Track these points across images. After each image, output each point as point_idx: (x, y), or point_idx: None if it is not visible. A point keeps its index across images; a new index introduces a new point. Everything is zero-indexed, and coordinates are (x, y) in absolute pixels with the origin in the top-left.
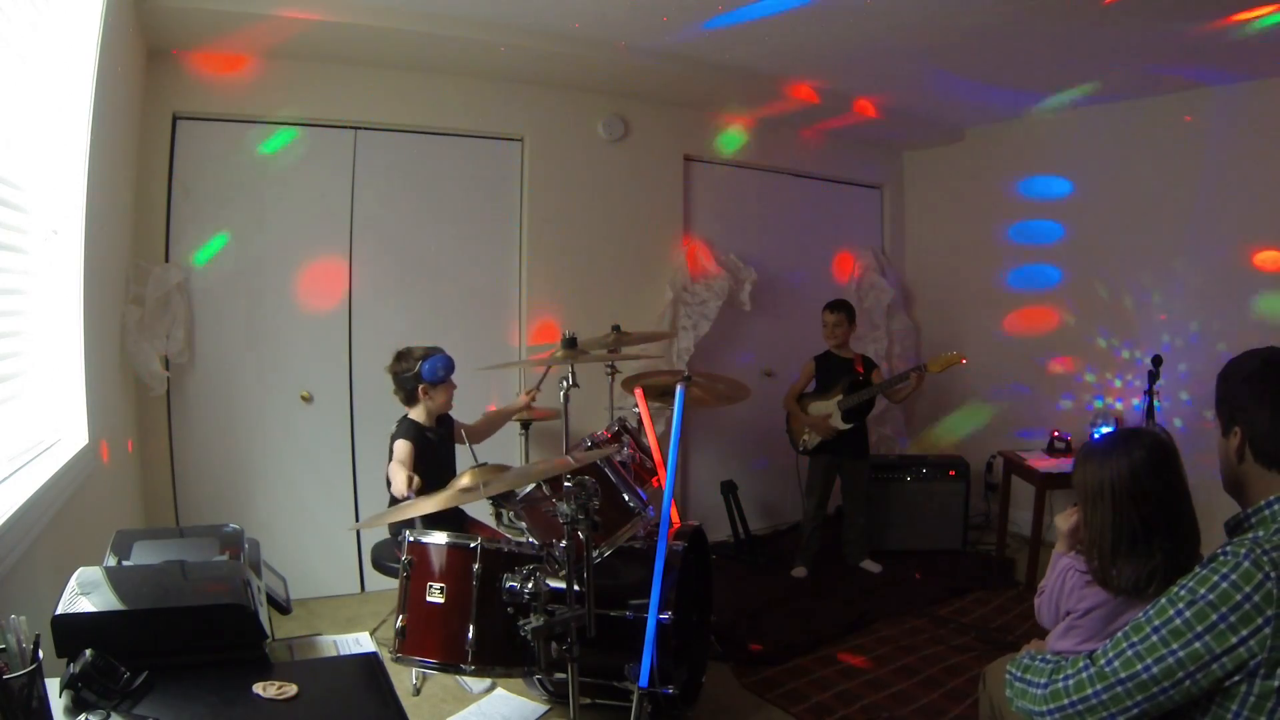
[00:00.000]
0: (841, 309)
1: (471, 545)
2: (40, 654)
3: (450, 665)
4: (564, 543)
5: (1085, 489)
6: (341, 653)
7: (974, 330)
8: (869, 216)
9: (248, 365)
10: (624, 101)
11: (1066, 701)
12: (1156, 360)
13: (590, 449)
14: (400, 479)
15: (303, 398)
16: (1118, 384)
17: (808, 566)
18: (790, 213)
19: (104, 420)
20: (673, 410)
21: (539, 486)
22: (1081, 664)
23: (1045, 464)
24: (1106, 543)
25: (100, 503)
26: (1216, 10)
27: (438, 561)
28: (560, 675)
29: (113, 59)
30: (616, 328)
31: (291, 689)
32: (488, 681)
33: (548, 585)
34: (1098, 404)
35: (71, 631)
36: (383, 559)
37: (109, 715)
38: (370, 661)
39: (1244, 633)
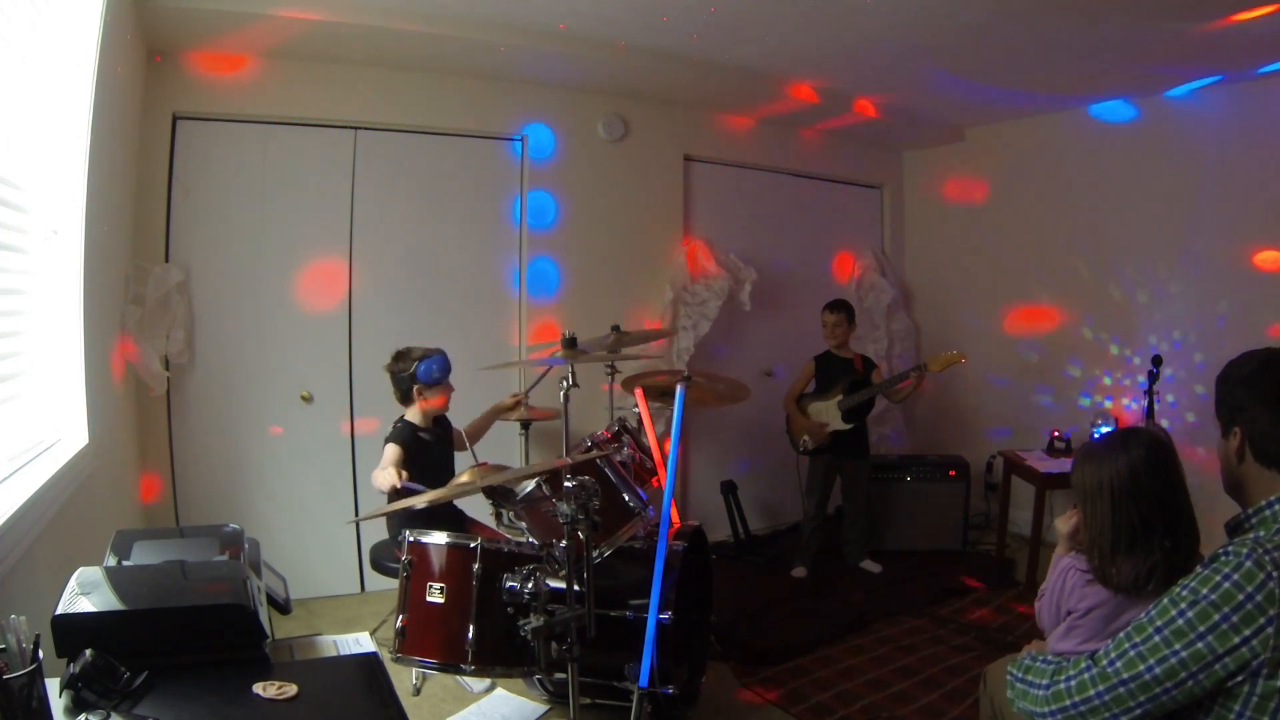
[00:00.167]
0: (841, 309)
1: (471, 545)
2: (40, 654)
3: (450, 665)
4: (564, 543)
5: (1084, 488)
6: (341, 653)
7: (974, 330)
8: (869, 216)
9: (248, 365)
10: (624, 101)
11: (1069, 702)
12: (1157, 360)
13: (590, 449)
14: (383, 477)
15: (303, 398)
16: (1119, 383)
17: (808, 566)
18: (790, 213)
19: (104, 420)
20: (673, 410)
21: (539, 486)
22: (1083, 665)
23: (1045, 464)
24: (1106, 541)
25: (100, 503)
26: (1217, 10)
27: (438, 561)
28: (560, 675)
29: (113, 59)
30: (616, 328)
31: (291, 689)
32: (488, 681)
33: (548, 585)
34: (1100, 404)
35: (71, 631)
36: (382, 559)
37: (109, 715)
38: (370, 661)
39: (1246, 632)
